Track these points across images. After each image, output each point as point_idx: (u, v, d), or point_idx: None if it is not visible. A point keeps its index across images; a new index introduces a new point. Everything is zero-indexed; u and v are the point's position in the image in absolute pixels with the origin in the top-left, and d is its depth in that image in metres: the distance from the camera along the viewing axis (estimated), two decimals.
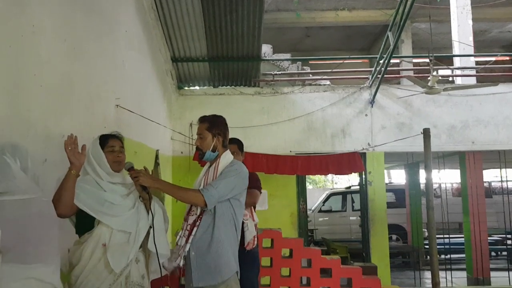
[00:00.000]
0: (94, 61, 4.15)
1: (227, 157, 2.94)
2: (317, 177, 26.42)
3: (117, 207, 2.59)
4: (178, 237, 2.85)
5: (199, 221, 2.77)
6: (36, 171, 2.96)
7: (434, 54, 6.84)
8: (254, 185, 3.98)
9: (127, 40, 5.26)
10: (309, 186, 23.26)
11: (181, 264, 2.77)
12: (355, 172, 7.43)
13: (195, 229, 2.76)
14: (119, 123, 4.72)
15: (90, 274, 2.47)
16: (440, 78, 6.23)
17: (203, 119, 2.97)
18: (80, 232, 2.59)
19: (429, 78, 6.00)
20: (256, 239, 3.78)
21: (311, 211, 13.01)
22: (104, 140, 2.73)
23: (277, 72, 8.00)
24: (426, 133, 4.87)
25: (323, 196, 13.73)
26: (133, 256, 2.58)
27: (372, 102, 7.86)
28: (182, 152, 7.61)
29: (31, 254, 2.17)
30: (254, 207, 4.00)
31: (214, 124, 2.93)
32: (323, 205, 13.23)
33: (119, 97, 4.76)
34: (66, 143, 2.49)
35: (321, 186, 24.28)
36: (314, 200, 13.98)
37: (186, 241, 2.75)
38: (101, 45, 4.34)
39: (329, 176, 26.29)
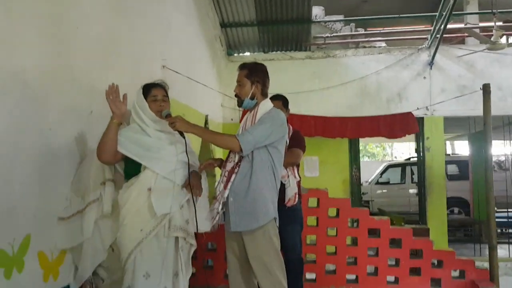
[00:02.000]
0: (138, 19, 4.18)
1: (266, 105, 2.86)
2: (376, 150, 25.75)
3: (164, 151, 2.63)
4: (216, 183, 2.84)
5: (237, 168, 2.75)
6: (83, 124, 3.07)
7: (499, 10, 6.31)
8: (297, 144, 3.89)
9: (174, 2, 5.25)
10: (367, 160, 22.77)
11: (219, 210, 2.76)
12: (409, 133, 7.04)
13: (233, 175, 2.74)
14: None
15: (135, 216, 2.53)
16: (504, 33, 5.72)
17: (242, 66, 2.91)
18: (128, 178, 2.65)
19: (492, 33, 5.53)
20: (297, 196, 3.71)
21: (367, 183, 12.72)
22: (147, 89, 2.74)
23: (329, 35, 7.73)
24: (486, 89, 4.50)
25: (381, 168, 13.34)
26: (176, 207, 2.60)
27: (431, 63, 7.43)
28: (232, 119, 7.60)
29: None
30: (298, 165, 3.92)
31: (253, 71, 2.86)
32: (381, 177, 12.86)
33: (165, 58, 4.80)
34: (107, 92, 2.54)
35: (379, 159, 23.60)
36: (371, 173, 13.64)
37: (225, 188, 2.75)
38: (145, 4, 4.36)
39: (388, 149, 25.56)
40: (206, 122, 6.34)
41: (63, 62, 2.92)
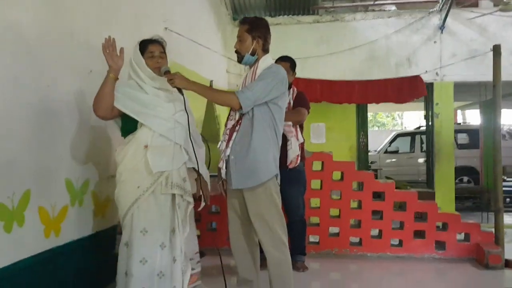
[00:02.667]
0: None
1: (266, 60, 2.79)
2: (385, 120, 25.56)
3: (161, 109, 2.59)
4: (219, 143, 2.82)
5: (238, 125, 2.71)
6: (82, 82, 3.03)
7: None
8: (302, 104, 3.86)
9: None
10: (376, 129, 22.63)
11: (223, 167, 2.75)
12: (417, 97, 6.90)
13: (234, 133, 2.71)
14: (168, 47, 4.67)
15: (132, 173, 2.52)
16: None
17: (244, 21, 2.82)
18: (125, 135, 2.63)
19: None
20: (299, 158, 3.69)
21: (376, 152, 12.64)
22: (144, 45, 2.68)
23: None
24: (496, 50, 4.36)
25: (390, 136, 13.23)
26: (176, 166, 2.58)
27: (442, 27, 7.23)
28: (237, 86, 7.46)
29: None
30: (302, 127, 3.89)
31: (255, 26, 2.78)
32: (389, 146, 12.76)
33: (167, 19, 4.71)
34: (104, 46, 2.49)
35: (389, 129, 23.44)
36: (380, 142, 13.54)
37: (226, 146, 2.72)
38: None
39: (398, 119, 25.34)
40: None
41: (61, 18, 2.86)
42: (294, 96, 3.90)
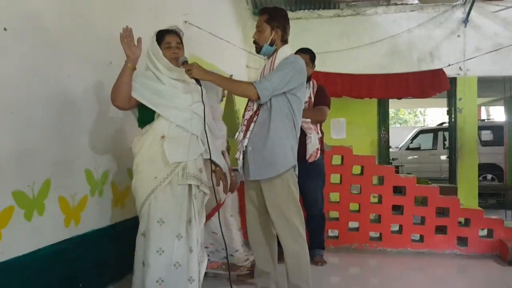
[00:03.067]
0: None
1: (284, 51, 2.76)
2: (408, 116, 25.21)
3: (178, 100, 2.58)
4: (237, 133, 2.81)
5: (256, 116, 2.69)
6: (101, 73, 3.05)
7: None
8: (323, 101, 3.83)
9: None
10: (398, 126, 22.33)
11: (240, 158, 2.74)
12: (440, 91, 6.72)
13: (252, 124, 2.69)
14: (188, 40, 4.64)
15: (149, 163, 2.52)
16: None
17: (263, 11, 2.80)
18: (142, 125, 2.63)
19: None
20: (319, 151, 3.66)
21: (398, 148, 12.48)
22: (161, 36, 2.66)
23: None
24: None
25: (412, 133, 13.03)
26: (192, 157, 2.58)
27: (465, 21, 7.06)
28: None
29: None
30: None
31: (274, 16, 2.75)
32: (411, 142, 12.58)
33: (187, 13, 4.71)
34: (121, 35, 2.48)
35: (411, 125, 23.10)
36: (402, 139, 13.35)
37: (244, 136, 2.71)
38: None
39: (420, 116, 24.95)
40: None
41: (81, 10, 2.89)
42: (314, 90, 3.86)
